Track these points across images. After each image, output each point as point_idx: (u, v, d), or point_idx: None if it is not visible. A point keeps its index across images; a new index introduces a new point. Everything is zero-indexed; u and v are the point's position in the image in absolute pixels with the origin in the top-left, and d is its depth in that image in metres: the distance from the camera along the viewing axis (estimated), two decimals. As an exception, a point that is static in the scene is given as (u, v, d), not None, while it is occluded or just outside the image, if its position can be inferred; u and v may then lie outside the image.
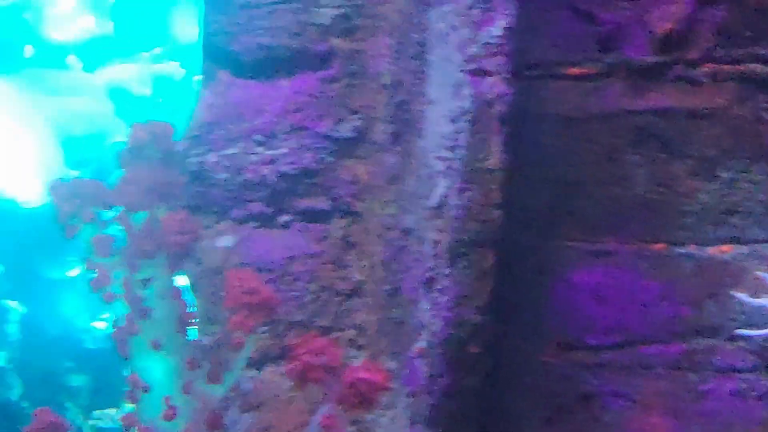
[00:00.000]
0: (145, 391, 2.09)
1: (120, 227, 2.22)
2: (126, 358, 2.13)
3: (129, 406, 5.96)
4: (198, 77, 6.86)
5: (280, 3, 2.56)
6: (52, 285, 6.29)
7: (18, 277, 5.94)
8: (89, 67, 8.43)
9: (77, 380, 6.29)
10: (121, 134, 6.78)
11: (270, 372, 2.45)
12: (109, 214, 2.27)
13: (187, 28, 8.96)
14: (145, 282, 2.07)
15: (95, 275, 2.20)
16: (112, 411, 6.15)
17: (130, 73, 7.24)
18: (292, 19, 2.56)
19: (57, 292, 6.30)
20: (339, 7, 2.55)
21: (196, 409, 2.14)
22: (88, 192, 2.23)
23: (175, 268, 2.08)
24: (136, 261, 2.07)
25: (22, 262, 6.07)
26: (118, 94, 7.06)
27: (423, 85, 2.28)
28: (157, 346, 2.09)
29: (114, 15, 9.06)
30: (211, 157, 2.57)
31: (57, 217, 2.26)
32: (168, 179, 2.18)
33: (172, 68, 7.16)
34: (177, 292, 2.11)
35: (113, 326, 2.21)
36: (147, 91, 7.01)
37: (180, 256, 2.08)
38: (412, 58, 2.39)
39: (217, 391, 2.13)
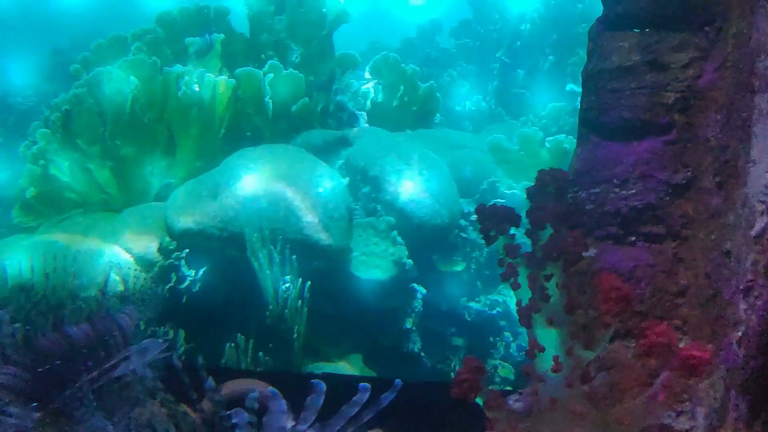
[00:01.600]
0: (541, 351, 2.15)
1: (526, 239, 2.29)
2: (528, 328, 2.19)
3: (499, 365, 6.05)
4: (549, 137, 6.93)
5: (639, 89, 2.59)
6: (443, 276, 6.49)
7: (422, 270, 6.15)
8: (476, 129, 8.74)
9: (457, 341, 6.44)
10: (495, 176, 6.98)
11: (617, 345, 2.48)
12: (516, 230, 2.34)
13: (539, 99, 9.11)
14: (548, 277, 2.13)
15: (505, 270, 2.27)
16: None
17: (502, 134, 7.38)
18: (646, 100, 2.58)
19: (446, 281, 6.49)
20: (681, 92, 2.55)
21: (573, 366, 2.18)
22: (503, 214, 2.32)
23: (569, 269, 2.14)
24: (541, 262, 2.15)
25: (424, 260, 6.29)
26: (495, 148, 7.21)
27: (746, 149, 2.24)
28: (551, 321, 2.15)
29: (494, 93, 9.34)
30: (582, 194, 2.63)
31: (479, 229, 2.38)
32: (562, 208, 2.25)
33: (533, 132, 7.24)
34: (569, 284, 2.16)
35: (516, 306, 2.25)
36: (514, 146, 7.12)
37: (574, 261, 2.14)
38: (736, 129, 2.34)
39: (589, 355, 2.17)
